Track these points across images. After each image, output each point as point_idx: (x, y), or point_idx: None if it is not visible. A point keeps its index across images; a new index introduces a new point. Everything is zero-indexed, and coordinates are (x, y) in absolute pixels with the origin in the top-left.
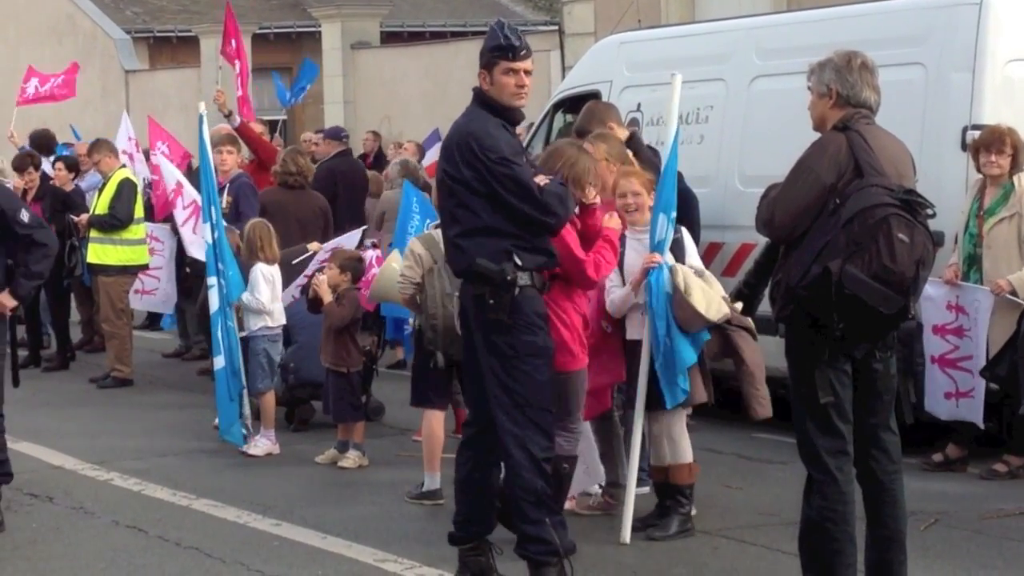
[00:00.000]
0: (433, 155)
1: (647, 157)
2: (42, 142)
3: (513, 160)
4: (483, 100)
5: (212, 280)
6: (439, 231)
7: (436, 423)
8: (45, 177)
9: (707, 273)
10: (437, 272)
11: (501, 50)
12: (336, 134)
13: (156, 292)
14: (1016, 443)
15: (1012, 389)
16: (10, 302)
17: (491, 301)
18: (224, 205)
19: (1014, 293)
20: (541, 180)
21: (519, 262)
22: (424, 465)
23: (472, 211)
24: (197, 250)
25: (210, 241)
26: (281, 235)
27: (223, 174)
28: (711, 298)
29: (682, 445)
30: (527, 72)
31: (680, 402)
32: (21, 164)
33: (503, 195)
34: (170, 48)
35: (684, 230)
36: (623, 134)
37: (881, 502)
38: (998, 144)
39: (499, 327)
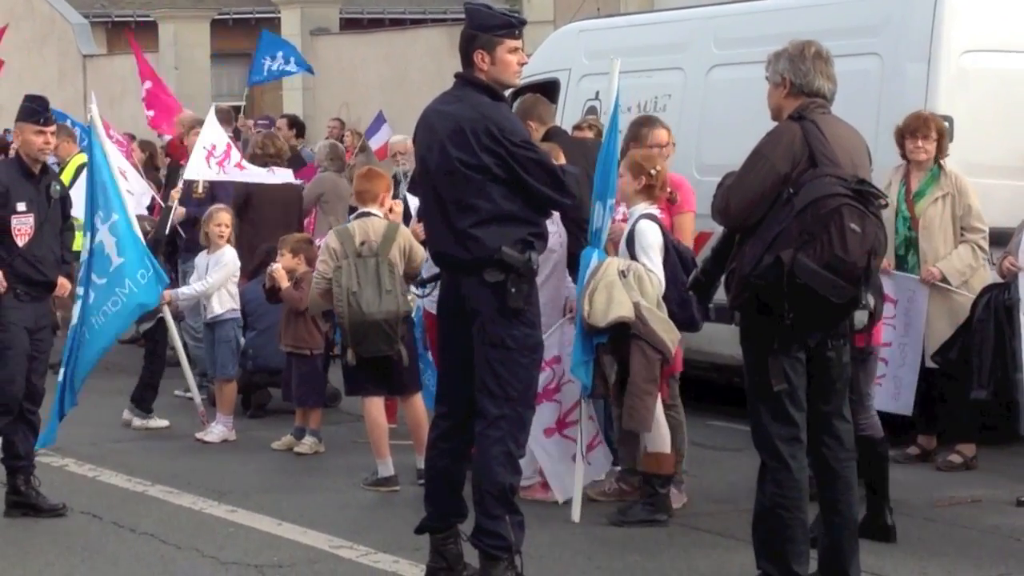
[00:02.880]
0: (382, 138)
1: (567, 148)
2: None
3: (534, 143)
4: (479, 83)
5: (81, 290)
6: (361, 222)
7: (376, 410)
8: None
9: (643, 275)
10: (345, 268)
11: (507, 28)
12: (267, 126)
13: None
14: (966, 430)
15: (961, 374)
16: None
17: (513, 290)
18: (200, 190)
19: (945, 280)
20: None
21: (538, 250)
22: (373, 453)
23: (490, 199)
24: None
25: (86, 252)
26: (266, 218)
27: None
28: (613, 302)
29: (654, 434)
30: (523, 50)
31: (584, 396)
32: None
33: (525, 179)
34: (128, 33)
35: (649, 223)
36: (540, 132)
37: (834, 489)
38: (924, 130)
39: (507, 318)
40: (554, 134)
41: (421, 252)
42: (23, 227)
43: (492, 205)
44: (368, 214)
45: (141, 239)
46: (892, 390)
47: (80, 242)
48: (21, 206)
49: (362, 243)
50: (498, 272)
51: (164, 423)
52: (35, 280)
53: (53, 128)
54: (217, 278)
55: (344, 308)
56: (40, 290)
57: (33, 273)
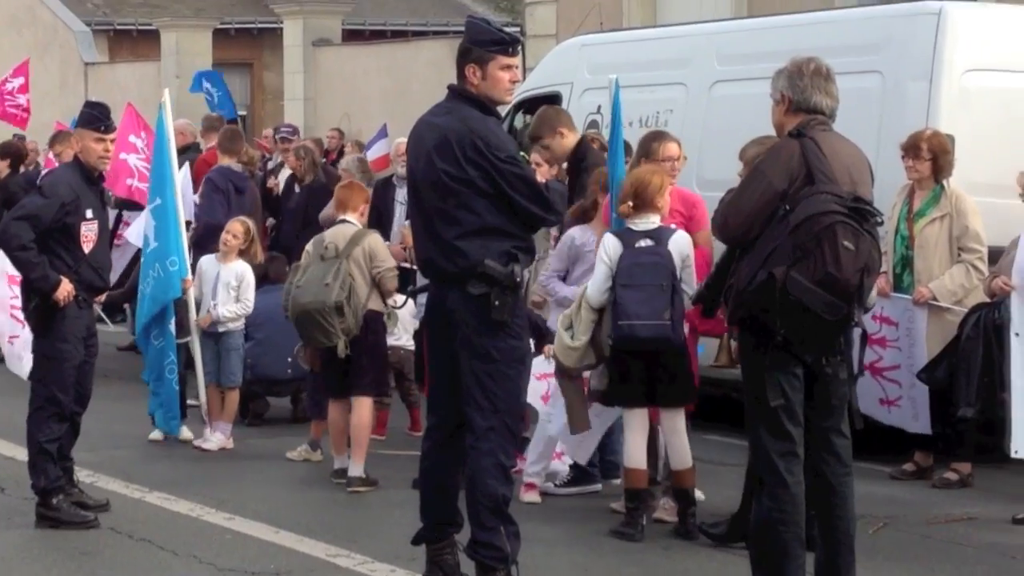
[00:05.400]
0: (379, 150)
1: (595, 161)
2: None
3: (519, 159)
4: (470, 97)
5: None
6: (334, 229)
7: (334, 412)
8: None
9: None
10: (301, 268)
11: (500, 44)
12: (291, 133)
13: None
14: (963, 449)
15: (950, 393)
16: None
17: (496, 303)
18: None
19: (935, 299)
20: (541, 178)
21: (523, 264)
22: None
23: (475, 212)
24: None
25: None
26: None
27: None
28: None
29: (673, 449)
30: (516, 67)
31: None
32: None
33: (510, 194)
34: (130, 41)
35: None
36: (573, 138)
37: (831, 505)
38: (914, 150)
39: (491, 330)
40: (582, 146)
41: (383, 253)
42: (90, 234)
43: (476, 218)
44: (344, 222)
45: (183, 228)
46: (911, 411)
47: None
48: (89, 213)
49: (326, 247)
50: (482, 284)
51: None
52: (96, 286)
53: (113, 136)
54: (251, 296)
55: (287, 303)
56: (95, 295)
57: (96, 279)
